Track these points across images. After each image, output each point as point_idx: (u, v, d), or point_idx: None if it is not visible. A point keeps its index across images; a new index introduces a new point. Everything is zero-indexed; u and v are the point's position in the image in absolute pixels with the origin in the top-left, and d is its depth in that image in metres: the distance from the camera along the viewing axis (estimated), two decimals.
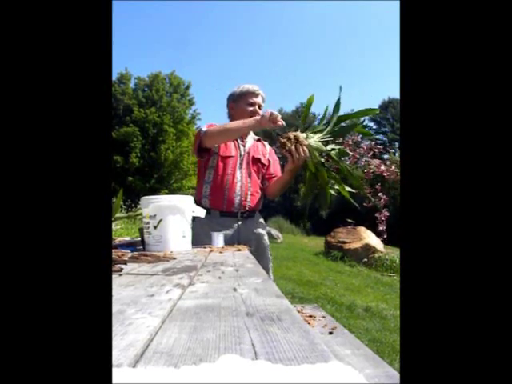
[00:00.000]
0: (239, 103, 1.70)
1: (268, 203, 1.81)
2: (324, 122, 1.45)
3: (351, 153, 1.65)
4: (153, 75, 16.99)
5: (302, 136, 1.41)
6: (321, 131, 1.43)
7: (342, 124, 1.44)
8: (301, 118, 1.51)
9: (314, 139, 1.41)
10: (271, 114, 1.41)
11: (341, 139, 1.50)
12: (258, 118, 1.49)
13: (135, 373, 0.29)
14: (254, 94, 1.69)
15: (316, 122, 1.51)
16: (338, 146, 1.45)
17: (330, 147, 1.44)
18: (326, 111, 1.45)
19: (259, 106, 1.69)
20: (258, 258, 1.62)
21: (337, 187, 1.46)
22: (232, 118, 1.75)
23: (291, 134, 1.40)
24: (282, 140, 1.40)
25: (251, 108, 1.67)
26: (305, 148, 1.39)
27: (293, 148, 1.39)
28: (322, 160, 1.43)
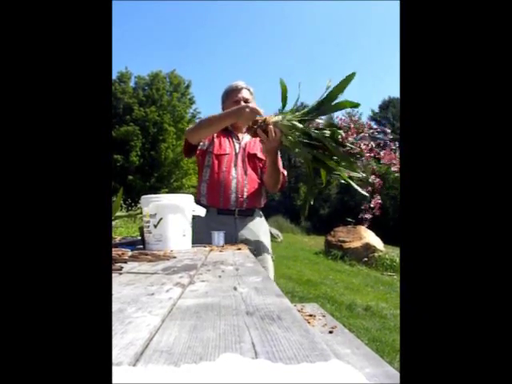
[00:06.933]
0: (227, 103, 1.70)
1: (268, 202, 1.80)
2: (298, 102, 1.44)
3: (344, 134, 1.60)
4: (153, 74, 16.99)
5: (270, 118, 1.40)
6: (298, 111, 1.41)
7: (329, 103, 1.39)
8: (281, 101, 1.49)
9: (288, 118, 1.38)
10: (249, 107, 1.42)
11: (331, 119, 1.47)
12: (235, 107, 1.49)
13: (135, 371, 0.29)
14: (237, 90, 1.67)
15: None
16: (331, 128, 1.42)
17: (321, 131, 1.40)
18: (298, 97, 1.45)
19: (246, 101, 1.67)
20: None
21: (338, 173, 1.42)
22: None
23: (260, 118, 1.40)
24: (250, 125, 1.41)
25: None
26: (271, 128, 1.37)
27: (258, 130, 1.39)
28: (305, 140, 1.40)
